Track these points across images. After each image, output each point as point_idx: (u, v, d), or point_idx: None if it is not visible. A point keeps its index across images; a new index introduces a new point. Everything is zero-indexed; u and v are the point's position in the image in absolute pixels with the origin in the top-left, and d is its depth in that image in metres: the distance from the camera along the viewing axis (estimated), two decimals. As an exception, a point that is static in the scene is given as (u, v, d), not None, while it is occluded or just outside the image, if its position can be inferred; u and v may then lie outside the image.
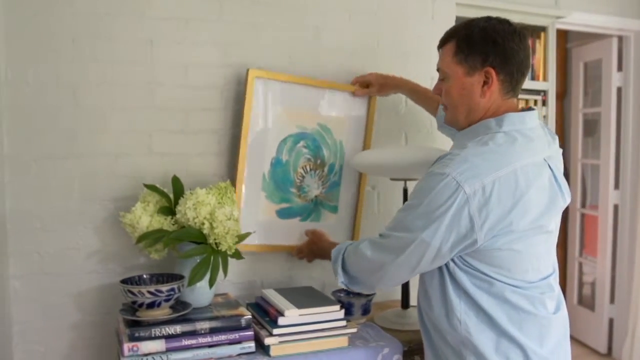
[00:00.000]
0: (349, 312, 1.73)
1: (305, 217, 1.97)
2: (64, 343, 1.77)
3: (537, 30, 3.18)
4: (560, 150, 1.42)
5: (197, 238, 1.59)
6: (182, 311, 1.53)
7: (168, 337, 1.47)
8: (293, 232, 1.94)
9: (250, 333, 1.54)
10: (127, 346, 1.43)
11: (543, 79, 3.20)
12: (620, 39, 3.70)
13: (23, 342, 1.73)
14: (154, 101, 1.82)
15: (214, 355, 1.50)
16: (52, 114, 1.72)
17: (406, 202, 1.35)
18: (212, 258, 1.58)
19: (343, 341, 1.59)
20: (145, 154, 1.82)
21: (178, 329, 1.48)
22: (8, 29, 1.67)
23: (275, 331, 1.52)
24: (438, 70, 1.42)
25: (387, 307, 1.98)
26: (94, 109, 1.76)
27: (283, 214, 1.94)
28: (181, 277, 1.57)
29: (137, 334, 1.44)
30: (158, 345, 1.46)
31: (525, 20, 3.10)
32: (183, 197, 1.66)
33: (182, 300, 1.60)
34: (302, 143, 1.94)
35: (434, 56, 1.48)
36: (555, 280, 1.38)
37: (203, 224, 1.58)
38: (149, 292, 1.47)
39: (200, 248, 1.58)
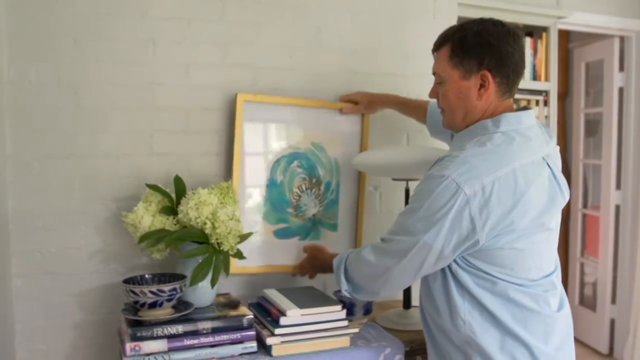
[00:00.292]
0: (350, 312, 1.73)
1: (303, 236, 1.97)
2: (66, 342, 1.78)
3: (539, 31, 3.18)
4: (558, 148, 1.42)
5: (199, 238, 1.60)
6: (184, 311, 1.53)
7: (170, 337, 1.47)
8: (292, 252, 1.94)
9: (252, 333, 1.54)
10: (129, 346, 1.43)
11: (545, 79, 3.20)
12: (622, 39, 3.69)
13: (25, 341, 1.74)
14: (155, 101, 1.82)
15: (215, 355, 1.50)
16: (54, 113, 1.73)
17: (407, 206, 1.35)
18: (214, 258, 1.58)
19: (345, 341, 1.59)
20: (147, 153, 1.82)
21: (180, 328, 1.48)
22: (10, 29, 1.67)
23: (277, 331, 1.52)
24: (434, 74, 1.42)
25: (389, 307, 1.98)
26: (95, 108, 1.77)
27: (281, 234, 1.94)
28: (183, 277, 1.57)
29: (139, 334, 1.44)
30: (160, 345, 1.46)
31: (527, 20, 3.10)
32: (185, 197, 1.66)
33: (184, 300, 1.60)
34: (296, 163, 1.94)
35: (436, 56, 1.48)
36: (557, 277, 1.38)
37: (205, 223, 1.58)
38: (151, 291, 1.47)
39: (202, 248, 1.59)
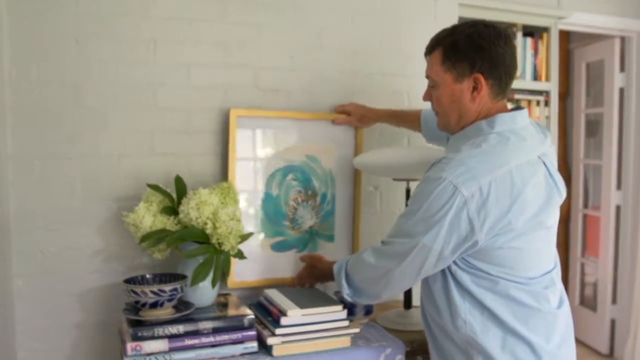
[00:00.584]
0: (351, 312, 1.73)
1: (301, 248, 1.98)
2: (67, 342, 1.78)
3: (540, 31, 3.18)
4: (553, 146, 1.43)
5: (200, 238, 1.60)
6: (185, 311, 1.53)
7: (171, 337, 1.47)
8: (290, 264, 1.94)
9: (252, 333, 1.54)
10: (130, 346, 1.43)
11: (545, 79, 3.20)
12: (623, 39, 3.69)
13: (26, 340, 1.74)
14: (157, 101, 1.82)
15: (216, 355, 1.50)
16: (55, 113, 1.73)
17: (405, 208, 1.36)
18: (214, 258, 1.58)
19: (345, 341, 1.59)
20: (148, 154, 1.83)
21: (181, 328, 1.48)
22: (12, 29, 1.67)
23: (278, 331, 1.52)
24: (427, 77, 1.43)
25: (390, 307, 1.98)
26: (96, 108, 1.77)
27: (278, 247, 1.95)
28: (184, 277, 1.58)
29: (140, 334, 1.44)
30: (161, 344, 1.46)
31: (528, 20, 3.10)
32: (186, 197, 1.66)
33: (184, 300, 1.60)
34: (291, 176, 1.95)
35: (436, 57, 1.48)
36: (557, 275, 1.39)
37: (206, 223, 1.58)
38: (152, 291, 1.47)
39: (203, 248, 1.59)
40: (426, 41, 1.43)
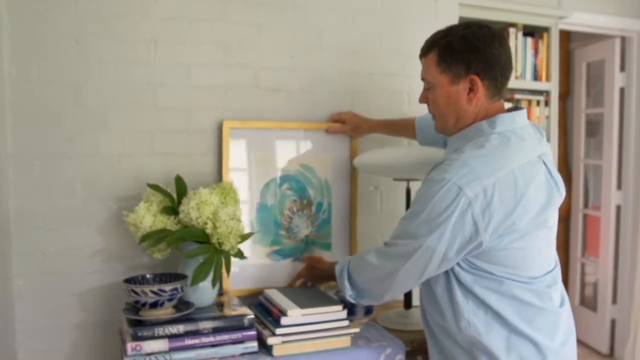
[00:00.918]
0: (351, 312, 1.73)
1: (297, 257, 1.98)
2: (67, 342, 1.78)
3: (540, 31, 3.17)
4: (549, 145, 1.43)
5: (200, 238, 1.60)
6: (185, 311, 1.53)
7: (171, 337, 1.47)
8: (286, 273, 1.94)
9: (253, 333, 1.54)
10: (130, 345, 1.43)
11: (546, 79, 3.19)
12: (623, 39, 3.69)
13: (26, 340, 1.74)
14: (157, 101, 1.82)
15: (216, 355, 1.50)
16: (55, 113, 1.73)
17: (408, 210, 1.36)
18: (215, 258, 1.58)
19: (346, 341, 1.59)
20: (148, 153, 1.83)
21: (181, 328, 1.48)
22: (12, 28, 1.67)
23: (278, 331, 1.52)
24: (422, 79, 1.42)
25: (390, 307, 1.97)
26: (96, 108, 1.77)
27: (274, 256, 1.95)
28: (184, 277, 1.58)
29: (140, 334, 1.44)
30: (161, 344, 1.46)
31: (528, 20, 3.10)
32: (186, 196, 1.66)
33: (185, 300, 1.60)
34: (285, 185, 1.95)
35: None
36: (558, 273, 1.40)
37: (206, 223, 1.58)
38: (152, 291, 1.47)
39: (203, 248, 1.59)
40: (426, 41, 1.42)
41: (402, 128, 1.93)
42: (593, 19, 3.43)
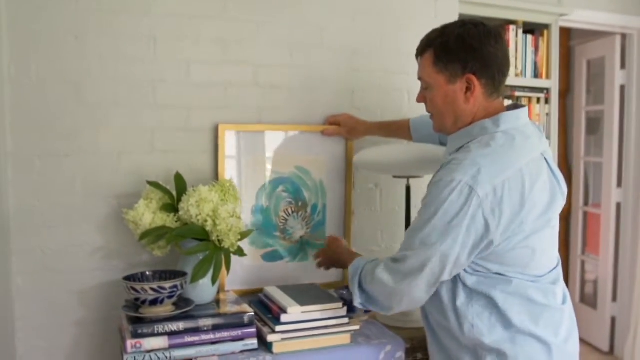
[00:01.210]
0: (351, 310, 1.73)
1: (292, 258, 1.99)
2: (67, 339, 1.78)
3: (540, 28, 3.17)
4: (548, 142, 1.43)
5: (200, 235, 1.60)
6: (185, 308, 1.53)
7: (171, 334, 1.47)
8: (281, 274, 1.95)
9: (252, 330, 1.54)
10: (130, 343, 1.43)
11: (546, 76, 3.19)
12: (624, 36, 3.69)
13: (26, 338, 1.74)
14: (156, 98, 1.82)
15: (216, 352, 1.50)
16: (54, 110, 1.73)
17: (416, 219, 1.32)
18: (214, 255, 1.58)
19: (345, 338, 1.59)
20: (148, 151, 1.82)
21: (181, 325, 1.48)
22: (11, 25, 1.67)
23: (278, 328, 1.52)
24: (419, 79, 1.42)
25: (390, 304, 1.97)
26: (96, 105, 1.77)
27: (268, 257, 1.96)
28: (184, 274, 1.58)
29: (140, 331, 1.44)
30: (161, 342, 1.46)
31: (528, 17, 3.09)
32: (186, 194, 1.66)
33: (185, 297, 1.60)
34: (281, 188, 1.96)
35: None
36: (560, 271, 1.40)
37: (206, 221, 1.58)
38: (152, 289, 1.47)
39: (203, 245, 1.59)
40: (427, 39, 1.42)
41: (397, 129, 1.93)
42: (593, 16, 3.43)
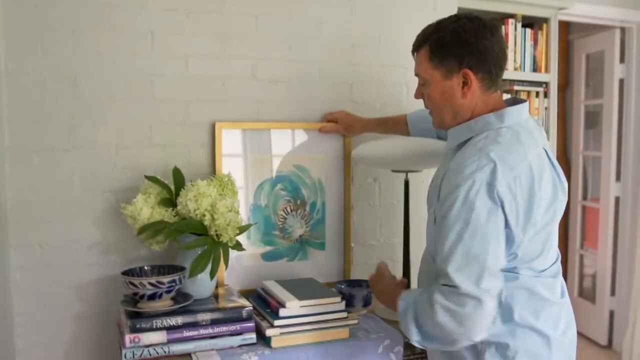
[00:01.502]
0: (350, 304, 1.73)
1: (292, 257, 1.98)
2: (65, 334, 1.78)
3: (539, 22, 3.16)
4: (547, 136, 1.42)
5: (198, 229, 1.59)
6: (183, 302, 1.53)
7: (169, 329, 1.47)
8: (281, 273, 1.94)
9: (251, 324, 1.54)
10: (128, 337, 1.43)
11: (545, 70, 3.18)
12: (623, 30, 3.68)
13: (25, 333, 1.74)
14: (154, 93, 1.82)
15: (215, 346, 1.50)
16: (52, 105, 1.72)
17: (448, 232, 1.22)
18: (213, 249, 1.57)
19: (344, 332, 1.59)
20: (146, 145, 1.82)
21: (179, 320, 1.48)
22: (8, 20, 1.66)
23: (277, 322, 1.52)
24: (416, 75, 1.41)
25: (388, 298, 1.98)
26: (94, 100, 1.76)
27: (268, 256, 1.95)
28: (182, 269, 1.58)
29: (138, 326, 1.44)
30: (159, 336, 1.46)
31: (528, 11, 3.08)
32: (184, 188, 1.66)
33: (183, 292, 1.60)
34: (279, 186, 1.95)
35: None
36: (560, 265, 1.40)
37: (204, 215, 1.58)
38: (150, 283, 1.47)
39: (201, 239, 1.58)
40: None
41: (394, 125, 1.92)
42: (592, 9, 3.42)
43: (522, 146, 1.26)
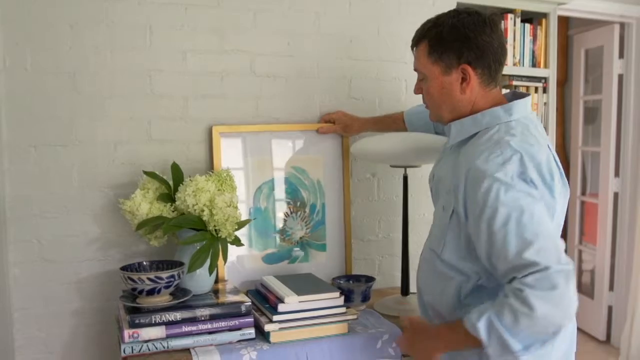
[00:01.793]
0: (348, 299, 1.73)
1: (293, 259, 1.97)
2: (64, 329, 1.78)
3: (538, 17, 3.15)
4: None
5: (197, 225, 1.59)
6: (182, 298, 1.53)
7: (168, 324, 1.47)
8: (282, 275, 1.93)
9: (250, 320, 1.54)
10: (127, 333, 1.43)
11: (544, 66, 3.17)
12: (622, 25, 3.67)
13: (23, 328, 1.74)
14: (153, 88, 1.81)
15: (214, 341, 1.50)
16: (50, 100, 1.72)
17: (506, 224, 1.16)
18: (211, 245, 1.57)
19: (343, 328, 1.59)
20: (144, 140, 1.82)
21: (178, 315, 1.48)
22: (6, 15, 1.66)
23: (275, 318, 1.52)
24: (415, 70, 1.41)
25: (387, 293, 1.98)
26: (92, 95, 1.76)
27: (269, 259, 1.94)
28: (181, 264, 1.58)
29: (137, 321, 1.44)
30: (158, 331, 1.46)
31: (527, 6, 3.07)
32: (182, 184, 1.66)
33: (182, 287, 1.60)
34: (278, 188, 1.95)
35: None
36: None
37: (203, 210, 1.58)
38: (149, 278, 1.47)
39: (199, 235, 1.58)
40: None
41: (392, 123, 1.92)
42: (592, 4, 3.41)
43: (534, 138, 1.26)
